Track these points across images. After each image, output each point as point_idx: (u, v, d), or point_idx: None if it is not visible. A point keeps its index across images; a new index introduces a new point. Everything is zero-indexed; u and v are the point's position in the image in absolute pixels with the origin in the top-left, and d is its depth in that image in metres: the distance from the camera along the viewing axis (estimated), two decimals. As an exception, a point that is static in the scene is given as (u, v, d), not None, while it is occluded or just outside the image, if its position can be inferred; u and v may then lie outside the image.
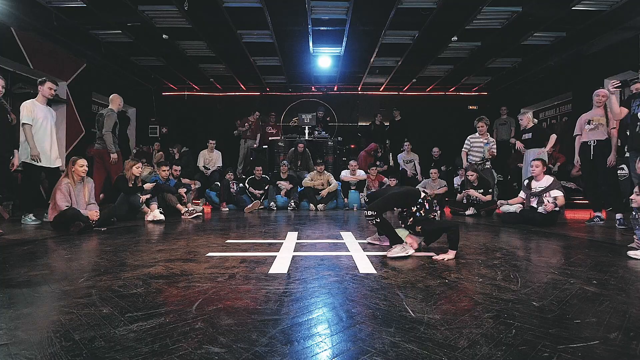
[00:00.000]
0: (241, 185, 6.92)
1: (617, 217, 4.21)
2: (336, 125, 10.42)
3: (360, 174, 7.16)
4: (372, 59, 7.75)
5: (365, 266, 2.30)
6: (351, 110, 10.68)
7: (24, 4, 5.36)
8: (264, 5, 5.42)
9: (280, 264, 2.34)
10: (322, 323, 1.40)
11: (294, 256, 2.60)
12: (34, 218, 4.32)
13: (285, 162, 7.26)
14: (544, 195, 4.44)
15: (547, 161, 5.28)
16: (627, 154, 4.14)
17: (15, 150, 4.17)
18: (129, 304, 1.58)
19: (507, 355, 1.13)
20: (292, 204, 6.72)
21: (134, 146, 9.21)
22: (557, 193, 4.38)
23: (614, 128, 4.30)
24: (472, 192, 5.65)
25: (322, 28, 6.38)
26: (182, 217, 5.22)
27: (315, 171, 7.13)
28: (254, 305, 1.57)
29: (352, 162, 7.18)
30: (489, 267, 2.29)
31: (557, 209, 4.42)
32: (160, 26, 6.20)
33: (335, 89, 10.31)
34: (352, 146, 9.71)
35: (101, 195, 5.20)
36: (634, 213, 2.80)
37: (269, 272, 2.14)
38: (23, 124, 4.24)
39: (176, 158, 7.77)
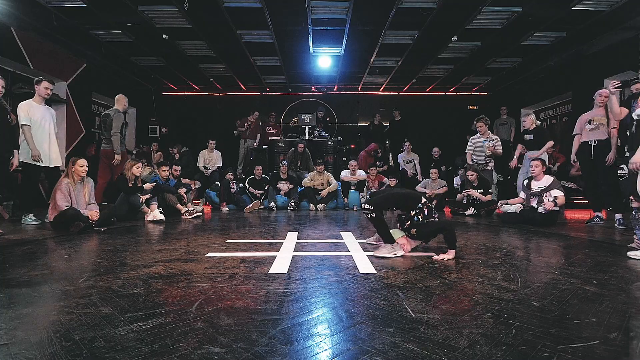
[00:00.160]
0: (241, 185, 6.92)
1: (616, 217, 4.21)
2: (336, 125, 10.41)
3: (360, 174, 7.16)
4: (372, 59, 7.75)
5: (365, 266, 2.30)
6: (351, 110, 10.68)
7: (24, 4, 5.36)
8: (264, 5, 5.42)
9: (280, 264, 2.33)
10: (322, 323, 1.40)
11: (294, 256, 2.60)
12: (34, 218, 4.32)
13: (284, 162, 7.26)
14: (544, 195, 4.44)
15: (547, 162, 5.28)
16: (627, 154, 4.14)
17: (15, 151, 4.17)
18: (129, 304, 1.58)
19: (507, 355, 1.13)
20: (292, 204, 6.72)
21: (134, 146, 9.21)
22: (557, 193, 4.38)
23: (615, 128, 4.31)
24: (472, 192, 5.65)
25: (322, 28, 6.38)
26: (182, 217, 5.21)
27: (315, 171, 7.13)
28: (254, 305, 1.57)
29: (352, 162, 7.18)
30: (489, 267, 2.29)
31: (556, 208, 4.42)
32: (160, 26, 6.20)
33: (335, 89, 10.30)
34: (352, 146, 9.71)
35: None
36: (634, 213, 2.80)
37: (269, 272, 2.14)
38: (22, 125, 4.24)
39: (176, 158, 7.77)
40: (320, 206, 6.72)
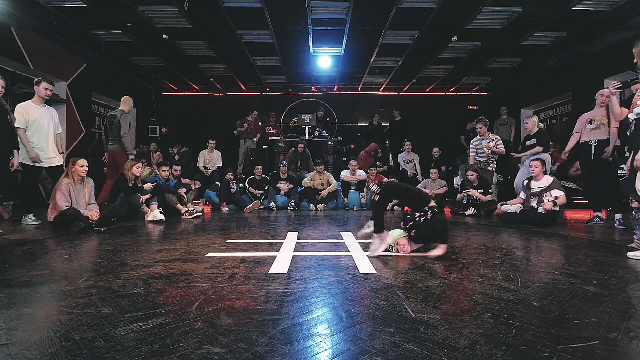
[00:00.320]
0: (241, 185, 6.92)
1: (616, 217, 4.21)
2: (336, 125, 10.41)
3: (360, 174, 7.17)
4: (372, 59, 7.75)
5: (365, 266, 2.30)
6: (351, 110, 10.68)
7: (24, 4, 5.36)
8: (264, 5, 5.42)
9: (280, 264, 2.33)
10: (322, 323, 1.40)
11: (294, 256, 2.59)
12: (34, 218, 4.32)
13: (284, 162, 7.26)
14: (544, 195, 4.44)
15: (549, 163, 5.26)
16: (627, 154, 4.13)
17: (15, 151, 4.17)
18: (129, 304, 1.58)
19: (507, 355, 1.13)
20: (292, 204, 6.72)
21: (134, 147, 9.20)
22: (557, 192, 4.38)
23: (615, 127, 4.30)
24: (472, 192, 5.66)
25: (322, 28, 6.38)
26: (182, 217, 5.22)
27: (315, 171, 7.13)
28: (254, 305, 1.57)
29: (352, 162, 7.19)
30: (489, 267, 2.29)
31: (556, 208, 4.42)
32: (160, 26, 6.20)
33: (335, 89, 10.30)
34: (352, 146, 9.71)
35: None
36: (634, 213, 2.80)
37: (269, 272, 2.14)
38: (16, 128, 4.24)
39: (176, 159, 7.77)
40: (320, 206, 6.72)
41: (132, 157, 5.32)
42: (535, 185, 4.60)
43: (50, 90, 4.56)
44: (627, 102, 4.03)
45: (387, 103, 10.35)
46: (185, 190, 5.79)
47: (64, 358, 1.11)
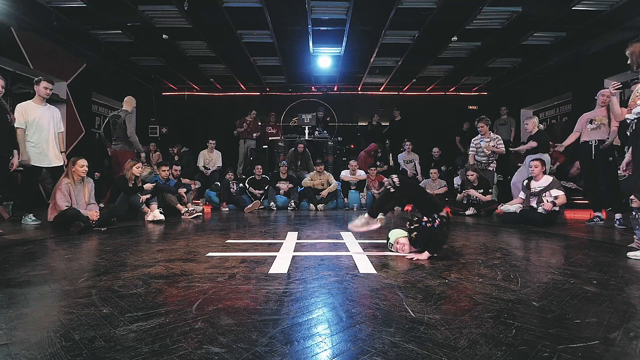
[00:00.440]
0: (241, 185, 6.92)
1: (616, 217, 4.21)
2: (336, 125, 10.41)
3: (360, 174, 7.16)
4: (372, 59, 7.75)
5: (365, 266, 2.30)
6: (351, 110, 10.68)
7: (24, 4, 5.36)
8: (264, 5, 5.42)
9: (280, 264, 2.33)
10: (322, 323, 1.40)
11: (294, 256, 2.59)
12: (34, 218, 4.32)
13: (284, 162, 7.26)
14: (544, 195, 4.44)
15: (549, 163, 5.26)
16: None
17: (15, 151, 4.17)
18: (129, 304, 1.58)
19: (507, 355, 1.13)
20: (292, 204, 6.72)
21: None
22: (557, 192, 4.38)
23: (615, 127, 4.31)
24: (472, 192, 5.66)
25: (322, 28, 6.38)
26: (182, 217, 5.22)
27: (315, 171, 7.13)
28: (254, 305, 1.57)
29: (352, 162, 7.18)
30: (489, 267, 2.29)
31: (556, 208, 4.42)
32: (160, 26, 6.20)
33: (335, 89, 10.30)
34: (352, 146, 9.71)
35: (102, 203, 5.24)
36: (634, 213, 2.80)
37: (269, 272, 2.14)
38: (15, 128, 4.24)
39: (176, 159, 7.77)
40: (320, 206, 6.72)
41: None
42: (535, 185, 4.60)
43: (50, 90, 4.56)
44: (627, 103, 4.03)
45: (387, 103, 10.35)
46: (185, 190, 5.78)
47: (64, 358, 1.11)
